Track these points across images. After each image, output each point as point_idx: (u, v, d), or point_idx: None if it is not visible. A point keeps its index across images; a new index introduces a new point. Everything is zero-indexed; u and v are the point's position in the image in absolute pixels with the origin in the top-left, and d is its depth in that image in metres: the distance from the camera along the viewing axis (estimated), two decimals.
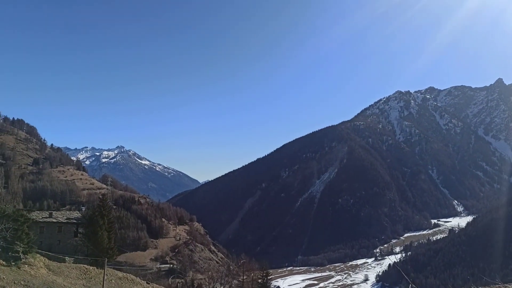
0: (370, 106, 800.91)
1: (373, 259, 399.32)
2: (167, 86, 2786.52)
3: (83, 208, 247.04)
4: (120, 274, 50.54)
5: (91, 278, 43.31)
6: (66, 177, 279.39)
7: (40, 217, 58.39)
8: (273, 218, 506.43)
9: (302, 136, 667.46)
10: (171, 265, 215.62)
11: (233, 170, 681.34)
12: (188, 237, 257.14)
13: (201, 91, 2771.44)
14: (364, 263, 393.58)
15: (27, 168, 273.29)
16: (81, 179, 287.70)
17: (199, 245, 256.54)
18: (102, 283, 38.23)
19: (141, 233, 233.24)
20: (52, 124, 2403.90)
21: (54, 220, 58.17)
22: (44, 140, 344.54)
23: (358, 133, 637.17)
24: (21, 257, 37.79)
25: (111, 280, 46.81)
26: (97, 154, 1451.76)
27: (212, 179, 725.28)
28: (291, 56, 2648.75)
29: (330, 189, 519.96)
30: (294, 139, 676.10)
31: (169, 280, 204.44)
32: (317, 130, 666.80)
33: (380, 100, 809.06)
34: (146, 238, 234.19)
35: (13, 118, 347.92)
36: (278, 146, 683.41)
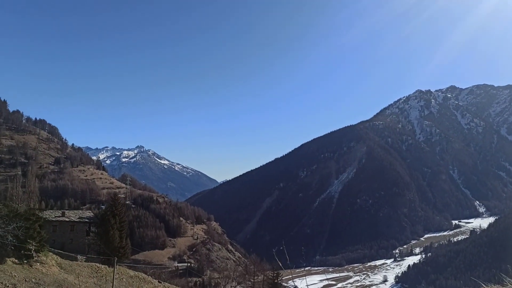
0: (389, 105, 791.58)
1: (392, 260, 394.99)
2: (186, 87, 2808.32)
3: (103, 207, 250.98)
4: (131, 272, 51.01)
5: (102, 276, 43.77)
6: (86, 176, 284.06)
7: (53, 216, 59.51)
8: (291, 218, 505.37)
9: (320, 136, 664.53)
10: (189, 264, 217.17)
11: (251, 170, 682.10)
12: (205, 236, 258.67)
13: (220, 92, 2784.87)
14: (383, 264, 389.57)
15: (48, 167, 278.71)
16: (100, 178, 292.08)
17: (216, 244, 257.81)
18: (111, 281, 38.49)
19: (159, 232, 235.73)
20: (74, 124, 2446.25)
21: (67, 219, 59.11)
22: (65, 140, 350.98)
23: (377, 132, 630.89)
24: (33, 255, 38.38)
25: (122, 278, 47.23)
26: (117, 153, 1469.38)
27: (230, 178, 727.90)
28: (309, 55, 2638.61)
29: (348, 189, 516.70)
30: (312, 139, 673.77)
31: (186, 279, 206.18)
32: (335, 129, 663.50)
33: (400, 99, 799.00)
34: (164, 237, 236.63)
35: (35, 118, 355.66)
36: (296, 146, 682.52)
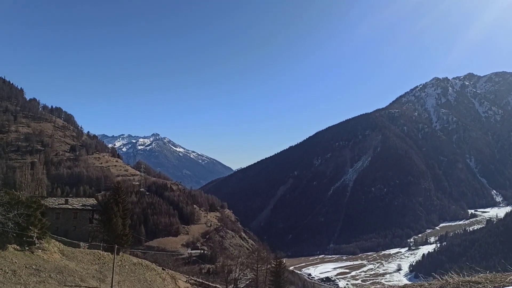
0: (405, 93, 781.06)
1: (406, 248, 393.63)
2: (202, 75, 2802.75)
3: None
4: (134, 259, 51.13)
5: (104, 263, 43.89)
6: (101, 163, 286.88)
7: (56, 204, 59.83)
8: (305, 206, 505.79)
9: (335, 124, 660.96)
10: (202, 251, 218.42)
11: (266, 158, 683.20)
12: (219, 224, 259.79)
13: (234, 80, 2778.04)
14: (397, 252, 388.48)
15: (64, 155, 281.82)
16: (115, 165, 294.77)
17: (229, 231, 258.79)
18: (114, 268, 38.41)
19: (173, 219, 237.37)
20: (91, 112, 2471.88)
21: (70, 207, 59.37)
22: (81, 127, 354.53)
23: (392, 121, 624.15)
24: (35, 242, 38.48)
25: (124, 265, 47.31)
26: (133, 141, 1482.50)
27: (245, 166, 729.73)
28: (324, 43, 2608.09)
29: (363, 178, 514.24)
30: (327, 127, 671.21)
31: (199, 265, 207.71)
32: (350, 118, 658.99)
33: (416, 87, 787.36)
34: (177, 224, 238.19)
35: (52, 106, 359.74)
36: (311, 134, 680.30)
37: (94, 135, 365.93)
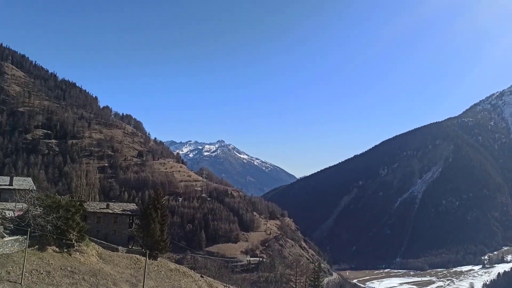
0: (480, 101, 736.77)
1: (480, 266, 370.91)
2: (266, 86, 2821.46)
3: (180, 199, 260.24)
4: (172, 265, 50.47)
5: (140, 268, 43.50)
6: (166, 169, 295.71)
7: (98, 208, 61.41)
8: (370, 217, 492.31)
9: (403, 133, 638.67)
10: (261, 259, 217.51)
11: (329, 167, 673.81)
12: (278, 232, 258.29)
13: (299, 88, 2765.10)
14: (470, 270, 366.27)
15: (132, 160, 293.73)
16: (179, 171, 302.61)
17: (289, 240, 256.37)
18: (149, 273, 37.69)
19: (233, 225, 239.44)
20: (161, 119, 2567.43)
21: (110, 211, 60.66)
22: (148, 134, 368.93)
23: (466, 130, 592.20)
24: (74, 244, 38.64)
25: (160, 271, 46.72)
26: (200, 147, 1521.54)
27: (309, 174, 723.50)
28: (392, 46, 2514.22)
29: (433, 190, 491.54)
30: (393, 136, 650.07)
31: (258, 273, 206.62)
32: (419, 126, 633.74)
33: (493, 94, 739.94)
34: (237, 230, 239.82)
35: (122, 113, 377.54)
36: (377, 143, 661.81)
37: (161, 141, 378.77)
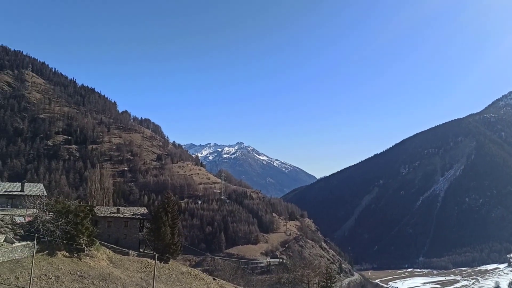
0: (503, 96, 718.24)
1: (505, 264, 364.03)
2: (283, 92, 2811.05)
3: (200, 202, 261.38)
4: (183, 268, 50.56)
5: (150, 271, 43.71)
6: (185, 172, 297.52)
7: (108, 212, 61.77)
8: (392, 217, 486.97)
9: (424, 131, 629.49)
10: (281, 260, 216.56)
11: (349, 166, 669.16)
12: (298, 233, 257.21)
13: (316, 90, 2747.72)
14: (495, 268, 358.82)
15: (151, 163, 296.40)
16: (198, 174, 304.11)
17: (309, 241, 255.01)
18: (160, 277, 37.81)
19: (252, 227, 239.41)
20: (181, 121, 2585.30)
21: (121, 215, 60.94)
22: (167, 137, 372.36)
23: (488, 126, 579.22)
24: (84, 249, 39.00)
25: (171, 274, 46.83)
26: (219, 150, 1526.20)
27: (329, 175, 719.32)
28: (408, 45, 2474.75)
29: (455, 187, 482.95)
30: (414, 133, 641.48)
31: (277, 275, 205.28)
32: (440, 123, 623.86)
33: None
34: (256, 232, 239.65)
35: (141, 117, 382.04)
36: (397, 142, 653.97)
37: (179, 145, 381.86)
